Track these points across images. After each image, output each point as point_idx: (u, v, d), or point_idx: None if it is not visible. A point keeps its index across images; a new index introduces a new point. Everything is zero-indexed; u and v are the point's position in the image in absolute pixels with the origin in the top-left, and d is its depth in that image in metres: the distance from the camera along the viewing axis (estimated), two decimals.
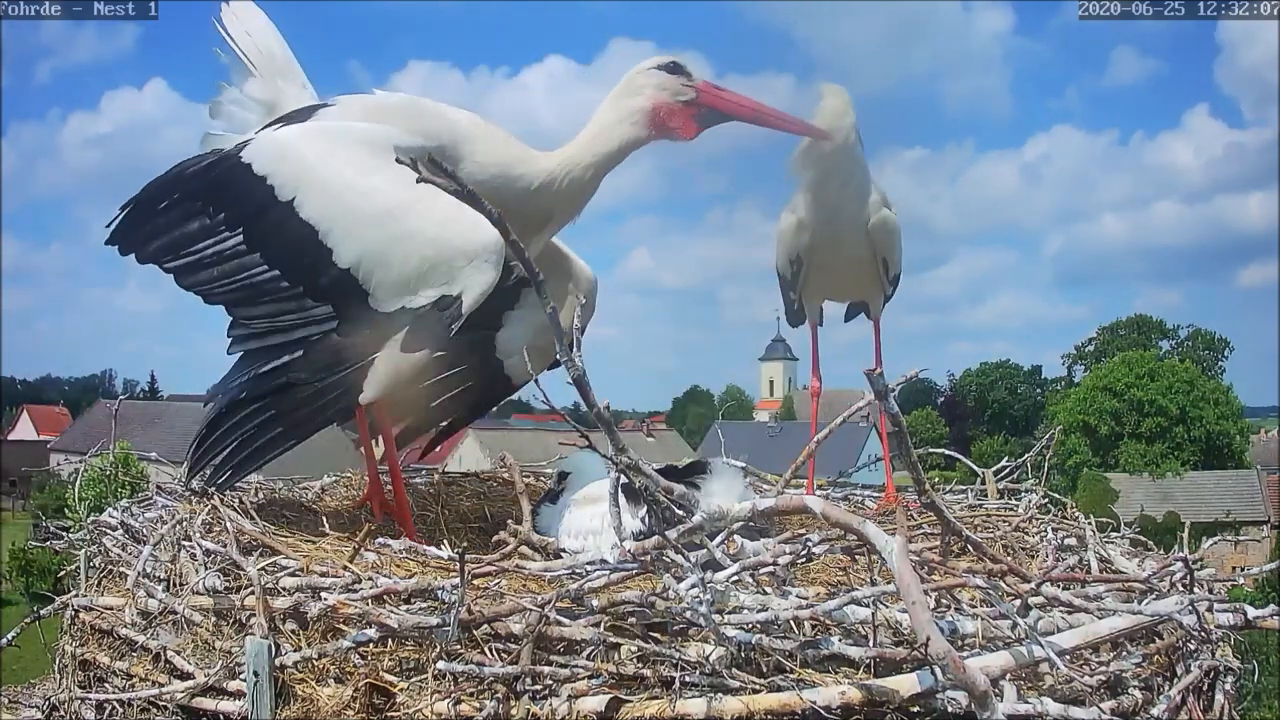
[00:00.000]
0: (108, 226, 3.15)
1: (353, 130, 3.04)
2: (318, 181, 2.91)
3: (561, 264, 3.64)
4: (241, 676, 2.27)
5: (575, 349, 2.36)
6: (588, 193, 3.25)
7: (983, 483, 4.14)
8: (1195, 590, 2.54)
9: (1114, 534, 3.45)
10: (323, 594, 2.38)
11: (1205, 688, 2.49)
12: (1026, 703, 2.07)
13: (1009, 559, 2.67)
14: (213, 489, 3.09)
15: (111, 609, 2.78)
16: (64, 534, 3.61)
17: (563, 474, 3.40)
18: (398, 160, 2.91)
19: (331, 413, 2.92)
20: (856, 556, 2.55)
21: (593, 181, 3.23)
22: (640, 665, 2.13)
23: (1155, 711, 2.26)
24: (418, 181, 2.36)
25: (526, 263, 2.43)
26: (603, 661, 2.15)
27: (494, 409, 3.95)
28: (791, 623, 2.20)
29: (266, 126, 3.23)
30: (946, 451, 5.34)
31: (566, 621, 2.21)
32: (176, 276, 3.01)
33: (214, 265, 2.96)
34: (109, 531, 3.16)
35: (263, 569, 2.49)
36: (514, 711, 2.10)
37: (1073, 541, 3.17)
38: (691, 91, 3.22)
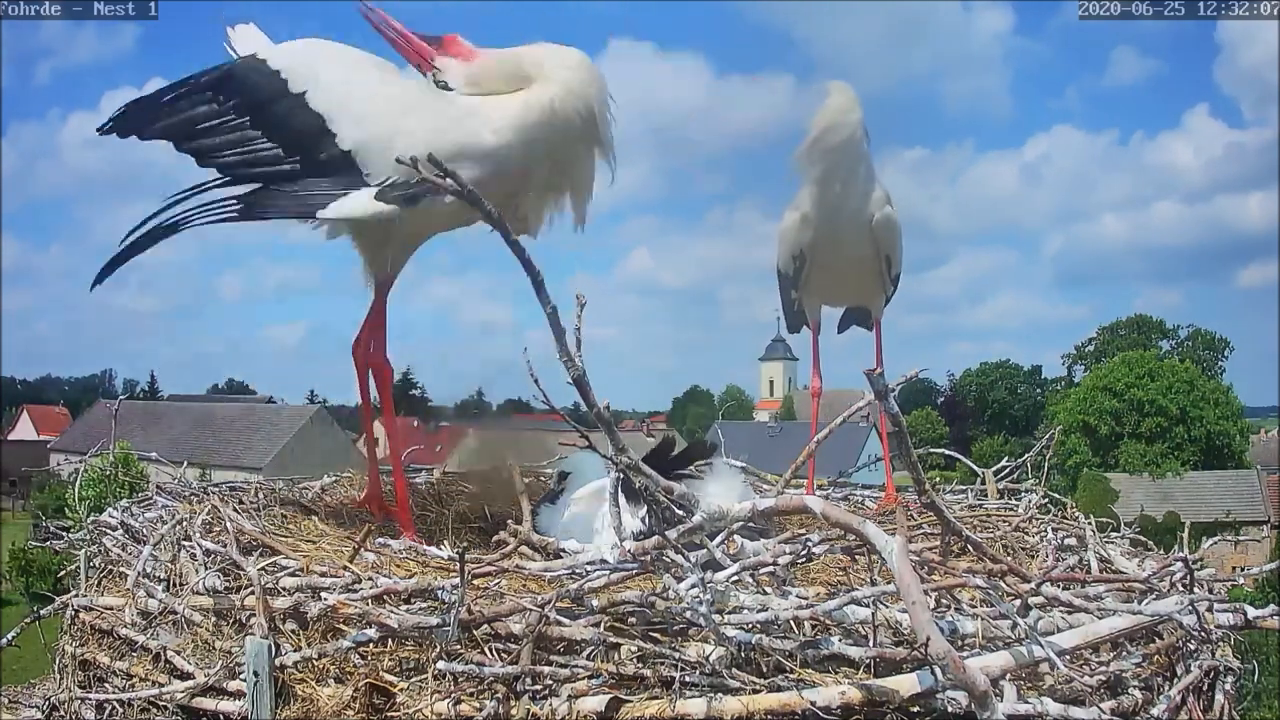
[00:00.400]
0: (104, 123, 3.18)
1: (360, 52, 3.25)
2: (328, 76, 3.10)
3: None
4: (241, 676, 2.27)
5: (576, 348, 2.37)
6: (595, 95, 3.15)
7: (983, 483, 4.15)
8: (1195, 590, 2.54)
9: (1114, 534, 3.45)
10: (323, 594, 2.38)
11: (1205, 688, 2.49)
12: (1026, 703, 2.07)
13: (1009, 559, 2.67)
14: (130, 244, 3.03)
15: (111, 609, 2.78)
16: (64, 534, 3.62)
17: (563, 474, 3.40)
18: (397, 160, 2.93)
19: (288, 204, 3.03)
20: (856, 556, 2.55)
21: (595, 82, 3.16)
22: (640, 665, 2.13)
23: (1155, 711, 2.26)
24: (418, 182, 2.36)
25: (526, 262, 2.43)
26: (603, 661, 2.15)
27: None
28: (791, 623, 2.20)
29: None
30: (946, 451, 5.35)
31: (566, 621, 2.21)
32: (176, 143, 3.11)
33: (217, 134, 3.08)
34: (109, 531, 3.16)
35: (263, 569, 2.49)
36: (514, 711, 2.10)
37: (1073, 541, 3.17)
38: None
